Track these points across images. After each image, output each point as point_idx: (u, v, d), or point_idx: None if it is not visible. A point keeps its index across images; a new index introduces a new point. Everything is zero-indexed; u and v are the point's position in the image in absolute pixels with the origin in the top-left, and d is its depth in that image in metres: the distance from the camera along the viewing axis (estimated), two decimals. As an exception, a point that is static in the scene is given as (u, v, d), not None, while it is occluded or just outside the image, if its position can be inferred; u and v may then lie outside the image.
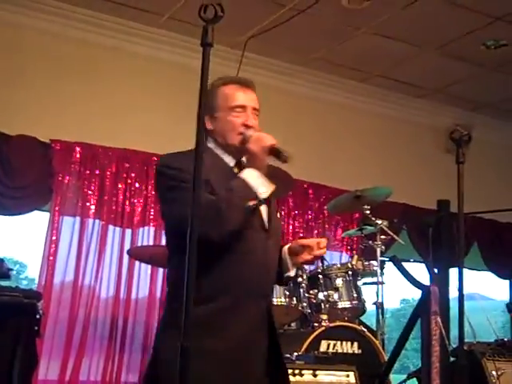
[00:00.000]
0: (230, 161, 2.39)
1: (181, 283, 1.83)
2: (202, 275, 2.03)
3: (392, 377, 3.97)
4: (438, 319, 1.63)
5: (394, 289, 5.42)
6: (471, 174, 6.72)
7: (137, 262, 5.18)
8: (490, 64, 5.93)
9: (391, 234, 4.65)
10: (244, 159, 2.37)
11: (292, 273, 2.43)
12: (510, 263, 6.94)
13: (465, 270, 7.26)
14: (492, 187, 6.91)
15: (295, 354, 3.72)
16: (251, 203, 2.19)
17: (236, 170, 2.34)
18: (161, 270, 5.24)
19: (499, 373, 3.67)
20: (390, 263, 4.99)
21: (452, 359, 3.86)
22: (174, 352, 1.79)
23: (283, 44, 5.79)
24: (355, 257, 4.60)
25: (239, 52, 5.85)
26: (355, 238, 5.86)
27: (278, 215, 2.52)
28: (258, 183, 2.20)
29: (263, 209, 2.34)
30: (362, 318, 4.70)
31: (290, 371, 3.35)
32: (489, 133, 7.08)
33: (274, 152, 2.25)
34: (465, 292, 7.76)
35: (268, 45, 5.79)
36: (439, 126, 6.36)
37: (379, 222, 4.61)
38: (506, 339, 4.05)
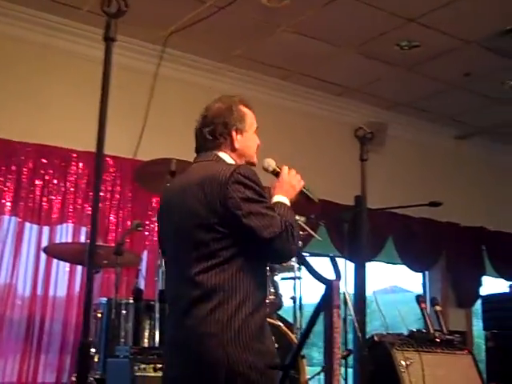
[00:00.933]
0: None
1: (254, 290, 2.28)
2: (259, 285, 2.37)
3: (309, 369, 4.05)
4: (340, 312, 1.70)
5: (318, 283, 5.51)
6: (387, 170, 7.00)
7: (55, 260, 5.10)
8: (404, 64, 6.09)
9: (308, 229, 4.72)
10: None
11: None
12: (422, 257, 7.18)
13: (382, 264, 7.49)
14: (407, 183, 7.14)
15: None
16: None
17: None
18: (79, 267, 5.17)
19: (408, 363, 3.81)
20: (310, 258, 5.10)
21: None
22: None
23: (204, 40, 5.79)
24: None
25: (160, 47, 5.84)
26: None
27: None
28: None
29: None
30: (283, 313, 4.77)
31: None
32: (404, 130, 7.31)
33: (303, 193, 2.65)
34: (386, 285, 7.96)
35: (189, 41, 5.79)
36: (358, 124, 6.48)
37: (297, 217, 4.66)
38: (415, 330, 4.20)
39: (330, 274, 2.35)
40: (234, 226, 2.33)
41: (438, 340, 4.15)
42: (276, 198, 2.51)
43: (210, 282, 2.31)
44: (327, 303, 1.69)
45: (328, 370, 1.65)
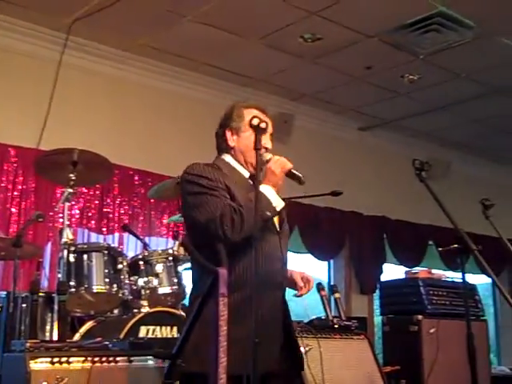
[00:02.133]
0: (245, 173, 2.80)
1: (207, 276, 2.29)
2: (230, 268, 2.44)
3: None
4: (226, 301, 1.74)
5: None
6: (293, 160, 7.08)
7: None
8: (309, 56, 6.18)
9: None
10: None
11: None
12: (327, 246, 7.34)
13: (290, 254, 7.58)
14: (312, 173, 7.23)
15: (114, 341, 3.73)
16: (268, 213, 2.59)
17: (251, 182, 2.77)
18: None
19: (307, 348, 3.92)
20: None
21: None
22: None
23: (109, 28, 5.71)
24: (177, 243, 4.66)
25: (64, 35, 5.72)
26: (180, 224, 5.90)
27: None
28: (274, 199, 2.62)
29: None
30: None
31: (104, 359, 3.37)
32: (309, 121, 7.44)
33: (291, 175, 2.73)
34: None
35: (94, 29, 5.70)
36: (264, 115, 6.56)
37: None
38: (314, 317, 4.31)
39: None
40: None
41: (336, 326, 4.27)
42: (260, 188, 2.63)
43: (192, 268, 2.73)
44: (213, 292, 1.72)
45: (213, 357, 1.69)
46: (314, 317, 4.33)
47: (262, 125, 2.50)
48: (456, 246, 2.98)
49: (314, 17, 5.40)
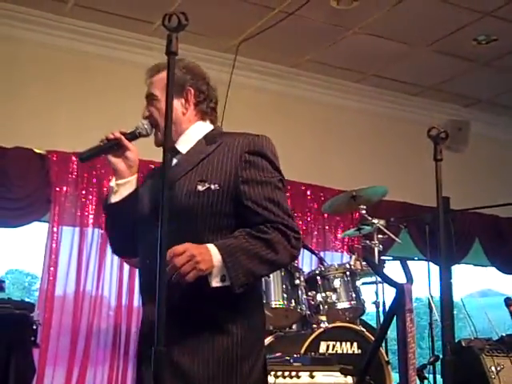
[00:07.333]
0: None
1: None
2: None
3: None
4: (413, 316, 1.65)
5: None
6: (472, 169, 6.78)
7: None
8: (482, 59, 5.92)
9: (388, 233, 4.64)
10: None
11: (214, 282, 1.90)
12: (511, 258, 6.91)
13: (470, 267, 7.26)
14: (492, 182, 6.90)
15: (295, 356, 3.73)
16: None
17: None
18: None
19: (498, 368, 3.67)
20: (395, 262, 5.02)
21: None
22: None
23: (275, 47, 5.81)
24: (354, 257, 4.60)
25: (232, 56, 5.88)
26: (355, 239, 5.84)
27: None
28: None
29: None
30: (367, 318, 4.70)
31: (286, 373, 3.37)
32: (486, 128, 7.07)
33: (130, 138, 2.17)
34: (478, 289, 7.66)
35: (260, 48, 5.81)
36: (435, 123, 6.33)
37: (375, 221, 4.61)
38: (504, 335, 4.03)
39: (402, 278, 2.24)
40: None
41: (530, 344, 3.97)
42: None
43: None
44: (399, 307, 1.64)
45: (403, 375, 1.61)
46: (503, 334, 4.06)
47: (442, 135, 2.17)
48: None
49: (488, 17, 5.15)
